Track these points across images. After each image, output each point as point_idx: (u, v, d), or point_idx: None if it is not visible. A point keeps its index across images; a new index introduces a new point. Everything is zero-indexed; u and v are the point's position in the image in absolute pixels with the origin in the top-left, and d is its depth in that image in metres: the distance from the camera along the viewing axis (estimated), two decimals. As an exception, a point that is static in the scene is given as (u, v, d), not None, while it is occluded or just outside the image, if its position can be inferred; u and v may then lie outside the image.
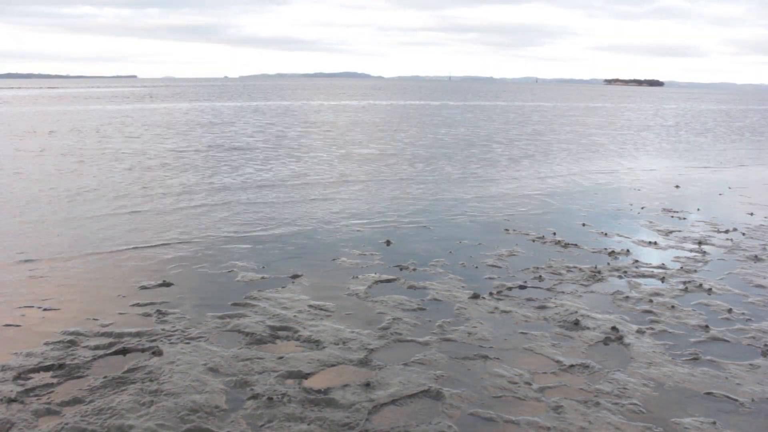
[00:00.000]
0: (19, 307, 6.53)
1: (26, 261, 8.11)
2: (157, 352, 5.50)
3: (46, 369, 5.19)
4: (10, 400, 4.67)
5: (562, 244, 9.52)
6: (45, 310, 6.48)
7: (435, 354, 5.62)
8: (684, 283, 7.81)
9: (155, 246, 8.94)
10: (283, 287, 7.32)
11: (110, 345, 5.67)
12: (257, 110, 44.15)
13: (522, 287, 7.54)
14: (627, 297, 7.25)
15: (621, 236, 10.19)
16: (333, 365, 5.36)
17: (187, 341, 5.78)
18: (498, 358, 5.58)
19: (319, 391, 4.89)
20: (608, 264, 8.54)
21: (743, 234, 10.48)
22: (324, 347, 5.70)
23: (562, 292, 7.38)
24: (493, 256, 8.83)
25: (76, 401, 4.69)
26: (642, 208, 12.59)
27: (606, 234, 10.29)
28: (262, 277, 7.65)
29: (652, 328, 6.33)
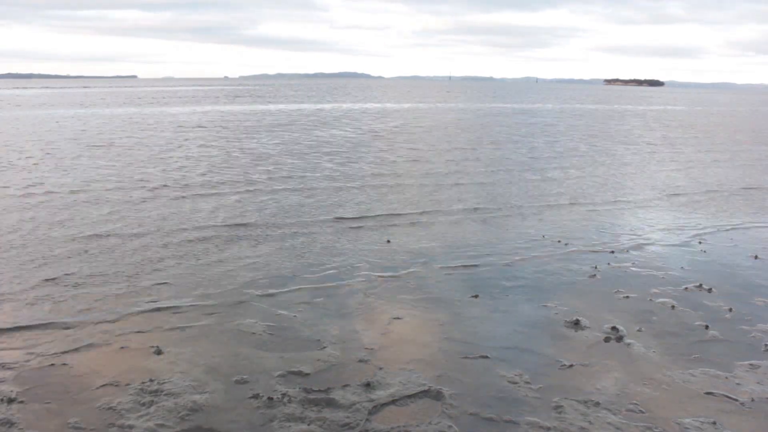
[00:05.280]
0: (19, 307, 6.53)
1: (26, 259, 8.13)
2: (157, 352, 5.50)
3: (46, 369, 5.19)
4: (10, 400, 4.67)
5: (563, 243, 9.51)
6: (44, 309, 6.48)
7: (435, 354, 5.63)
8: (684, 282, 7.81)
9: (153, 245, 8.95)
10: (284, 287, 7.32)
11: (110, 344, 5.67)
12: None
13: (522, 287, 7.53)
14: (627, 297, 7.25)
15: (621, 235, 10.18)
16: (333, 365, 5.36)
17: (187, 341, 5.78)
18: (498, 358, 5.58)
19: (319, 391, 4.90)
20: (608, 263, 8.53)
21: (743, 233, 10.47)
22: (324, 347, 5.70)
23: (562, 292, 7.38)
24: (494, 255, 8.83)
25: (75, 401, 4.69)
26: (641, 206, 12.59)
27: (606, 233, 10.28)
28: (263, 277, 7.65)
29: (652, 328, 6.33)
